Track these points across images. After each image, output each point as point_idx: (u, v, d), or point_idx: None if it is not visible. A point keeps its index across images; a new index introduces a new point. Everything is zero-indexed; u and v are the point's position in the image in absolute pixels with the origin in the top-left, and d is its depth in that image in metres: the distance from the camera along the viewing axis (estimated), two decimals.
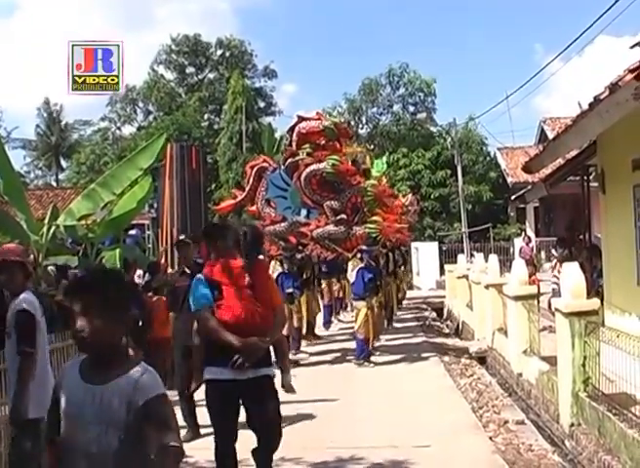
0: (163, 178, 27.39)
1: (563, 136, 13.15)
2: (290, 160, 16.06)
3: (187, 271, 9.78)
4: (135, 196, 14.49)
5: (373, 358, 15.89)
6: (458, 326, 22.03)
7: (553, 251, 24.44)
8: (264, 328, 6.76)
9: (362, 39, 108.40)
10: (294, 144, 16.04)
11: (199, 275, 7.02)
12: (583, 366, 9.70)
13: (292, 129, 16.14)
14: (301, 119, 15.93)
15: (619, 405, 8.64)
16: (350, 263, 17.25)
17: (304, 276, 18.30)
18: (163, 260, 24.59)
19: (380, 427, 9.56)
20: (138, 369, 3.52)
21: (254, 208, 16.77)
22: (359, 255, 16.37)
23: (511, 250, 37.41)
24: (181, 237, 9.73)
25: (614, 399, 8.89)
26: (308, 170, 15.47)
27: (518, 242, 36.69)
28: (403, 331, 20.83)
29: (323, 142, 15.80)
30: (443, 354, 16.97)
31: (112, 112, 63.80)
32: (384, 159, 18.55)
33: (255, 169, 16.60)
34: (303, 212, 16.23)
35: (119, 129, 64.31)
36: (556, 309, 10.62)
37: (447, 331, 23.34)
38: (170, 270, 21.73)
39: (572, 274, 10.27)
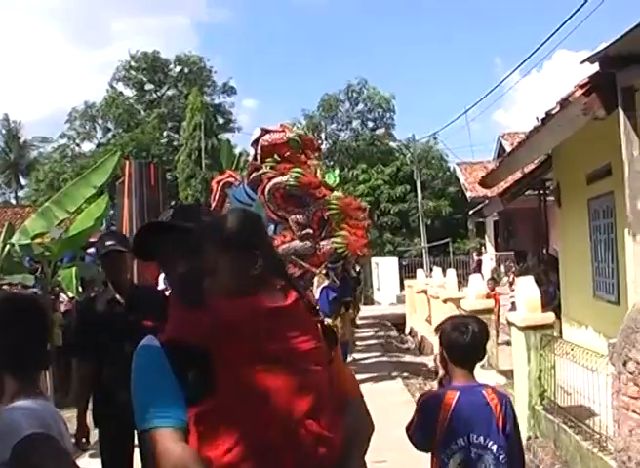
0: (122, 196, 27.18)
1: (517, 151, 13.28)
2: (254, 174, 15.59)
3: (119, 300, 6.34)
4: (91, 214, 14.33)
5: None
6: (421, 341, 22.04)
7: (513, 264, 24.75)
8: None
9: (321, 55, 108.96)
10: (258, 157, 15.56)
11: (150, 338, 2.82)
12: (539, 379, 9.75)
13: (256, 141, 15.61)
14: (265, 131, 15.42)
15: (574, 417, 8.69)
16: (316, 279, 16.81)
17: None
18: None
19: None
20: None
21: None
22: (324, 272, 15.96)
23: (471, 264, 37.59)
24: (110, 242, 6.39)
25: (569, 411, 8.93)
26: (271, 183, 15.02)
27: (484, 256, 36.98)
28: (363, 349, 20.72)
29: (287, 155, 15.31)
30: (402, 370, 16.96)
31: (71, 129, 63.35)
32: (337, 172, 18.25)
33: (220, 184, 16.27)
34: (271, 227, 15.51)
35: (78, 146, 63.89)
36: (512, 323, 10.68)
37: (409, 346, 23.33)
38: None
39: (527, 288, 10.32)
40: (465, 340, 4.48)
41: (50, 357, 3.12)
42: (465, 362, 4.57)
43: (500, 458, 4.28)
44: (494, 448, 4.29)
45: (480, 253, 38.80)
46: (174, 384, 2.65)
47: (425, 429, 4.47)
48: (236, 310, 2.76)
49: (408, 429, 4.61)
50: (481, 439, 4.31)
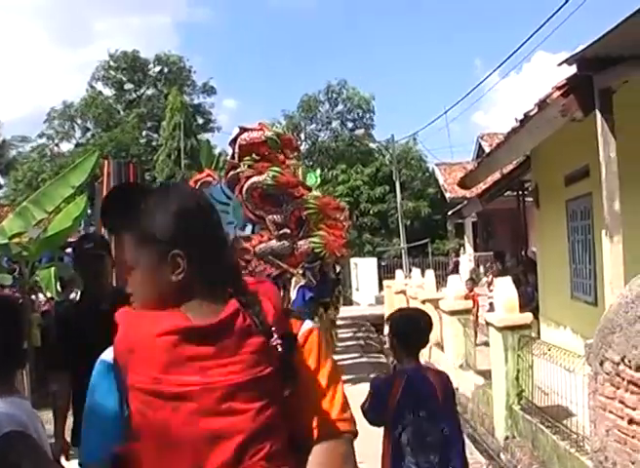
0: (100, 195, 27.11)
1: (496, 153, 13.33)
2: (231, 173, 15.41)
3: (102, 308, 5.17)
4: (70, 214, 14.23)
5: None
6: None
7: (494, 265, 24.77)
8: None
9: (301, 56, 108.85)
10: (236, 156, 15.33)
11: (109, 350, 2.40)
12: (517, 379, 9.81)
13: (234, 140, 15.39)
14: (243, 130, 15.18)
15: (552, 417, 8.74)
16: (293, 280, 16.63)
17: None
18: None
19: None
20: None
21: None
22: (301, 272, 15.55)
23: (449, 265, 37.67)
24: (88, 246, 5.93)
25: (547, 411, 8.99)
26: (249, 182, 14.85)
27: (461, 257, 37.07)
28: (342, 350, 20.63)
29: (266, 154, 15.11)
30: (381, 371, 16.96)
31: (50, 129, 63.03)
32: (318, 172, 18.10)
33: (198, 183, 15.90)
34: (249, 227, 15.59)
35: (57, 145, 63.54)
36: (489, 323, 10.73)
37: (387, 347, 23.34)
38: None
39: (505, 288, 10.37)
40: (412, 329, 5.23)
41: (26, 355, 3.09)
42: (412, 348, 5.28)
43: (444, 430, 4.99)
44: (438, 421, 5.00)
45: (458, 255, 38.89)
46: (114, 409, 2.27)
47: (378, 409, 5.12)
48: (133, 328, 2.24)
49: (362, 407, 5.17)
50: (426, 414, 4.98)
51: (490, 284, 20.69)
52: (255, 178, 14.76)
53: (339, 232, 16.35)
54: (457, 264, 35.74)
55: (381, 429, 5.20)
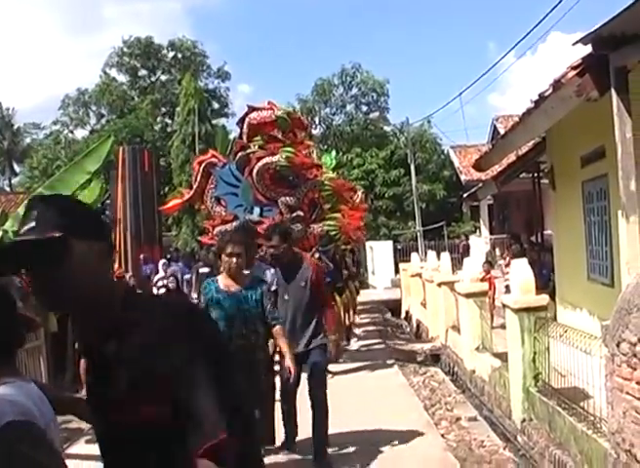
0: (115, 182, 27.18)
1: (511, 134, 13.25)
2: (240, 153, 14.98)
3: None
4: (85, 200, 14.26)
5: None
6: (417, 326, 21.99)
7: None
8: None
9: (315, 39, 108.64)
10: (244, 136, 14.95)
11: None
12: (534, 361, 9.76)
13: (242, 120, 15.01)
14: (252, 109, 14.81)
15: (568, 399, 8.70)
16: None
17: None
18: (117, 265, 24.41)
19: (333, 428, 9.53)
20: None
21: (203, 206, 15.77)
22: (316, 256, 15.43)
23: (469, 247, 37.57)
24: None
25: (563, 393, 8.95)
26: (260, 163, 14.49)
27: (473, 240, 36.95)
28: (361, 336, 20.46)
29: (278, 134, 14.72)
30: (398, 354, 16.97)
31: (65, 115, 63.18)
32: (333, 154, 17.85)
33: (203, 165, 15.49)
34: (257, 209, 15.03)
35: (72, 132, 63.70)
36: (506, 305, 10.68)
37: (405, 330, 23.35)
38: (125, 274, 21.44)
39: (521, 270, 10.32)
40: None
41: (23, 334, 3.04)
42: None
43: None
44: None
45: (467, 238, 38.79)
46: None
47: None
48: None
49: None
50: None
51: (507, 265, 20.64)
52: (267, 159, 14.48)
53: (358, 214, 16.19)
54: (466, 248, 35.62)
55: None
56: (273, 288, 8.68)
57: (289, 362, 7.78)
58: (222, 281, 7.68)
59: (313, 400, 8.54)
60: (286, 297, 8.77)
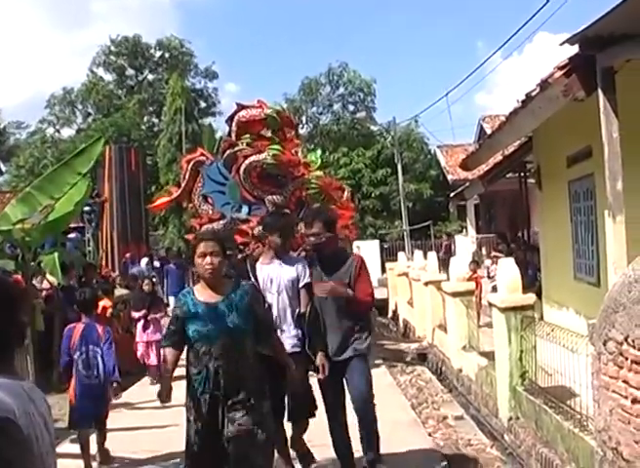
0: (102, 181, 27.21)
1: (498, 134, 13.31)
2: (228, 151, 14.83)
3: None
4: (71, 199, 14.16)
5: None
6: (405, 325, 22.01)
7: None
8: None
9: (302, 39, 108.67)
10: (233, 134, 14.79)
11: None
12: (520, 360, 9.81)
13: (231, 118, 14.87)
14: (241, 107, 14.65)
15: (555, 398, 8.74)
16: None
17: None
18: (104, 263, 24.40)
19: (320, 426, 9.54)
20: None
21: (191, 205, 15.58)
22: (303, 255, 15.24)
23: (452, 247, 37.62)
24: None
25: (550, 392, 8.99)
26: (247, 161, 14.32)
27: (459, 239, 36.98)
28: None
29: (264, 132, 14.61)
30: (385, 353, 16.99)
31: (51, 114, 63.02)
32: (319, 153, 17.82)
33: (191, 163, 15.31)
34: (245, 208, 14.88)
35: (58, 131, 63.52)
36: (492, 304, 10.73)
37: (392, 330, 23.36)
38: (112, 273, 21.40)
39: (507, 269, 10.36)
40: None
41: (23, 336, 3.03)
42: None
43: None
44: None
45: (449, 237, 38.85)
46: None
47: None
48: None
49: None
50: None
51: (489, 267, 20.69)
52: (254, 157, 14.35)
53: (348, 213, 16.16)
54: (448, 247, 35.61)
55: None
56: (304, 282, 7.44)
57: (292, 371, 6.68)
58: (200, 291, 6.18)
59: (360, 419, 7.65)
60: (324, 296, 7.47)
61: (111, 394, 9.23)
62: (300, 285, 7.41)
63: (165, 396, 6.13)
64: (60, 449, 9.40)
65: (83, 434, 8.93)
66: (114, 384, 9.03)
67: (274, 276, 7.42)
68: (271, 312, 7.29)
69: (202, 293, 6.11)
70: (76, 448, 8.88)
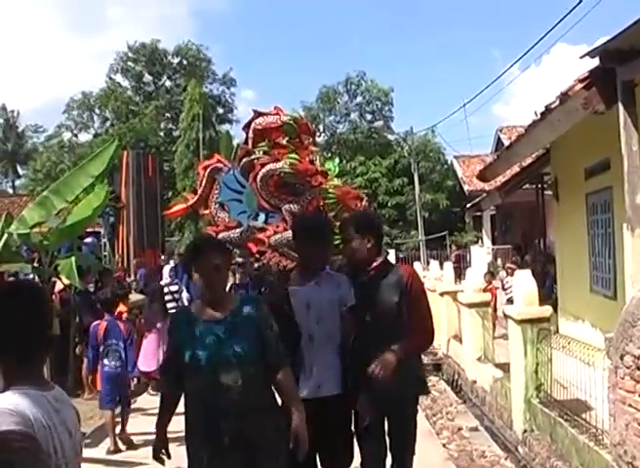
0: (119, 186, 27.25)
1: (516, 145, 13.28)
2: (245, 159, 14.63)
3: None
4: (90, 204, 14.19)
5: None
6: None
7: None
8: None
9: (321, 47, 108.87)
10: (249, 142, 14.57)
11: None
12: (536, 372, 9.78)
13: (247, 125, 14.62)
14: (258, 114, 14.40)
15: (570, 411, 8.71)
16: None
17: (262, 288, 16.62)
18: (120, 267, 24.42)
19: None
20: None
21: (207, 212, 15.35)
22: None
23: (467, 257, 37.54)
24: None
25: (565, 405, 8.96)
26: (265, 170, 14.06)
27: (475, 250, 36.88)
28: None
29: (280, 140, 14.29)
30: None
31: (69, 119, 63.33)
32: (337, 161, 17.66)
33: (208, 170, 15.15)
34: (262, 216, 14.70)
35: (75, 136, 63.81)
36: (508, 316, 10.70)
37: None
38: (127, 278, 21.43)
39: (524, 281, 10.34)
40: None
41: (50, 342, 3.04)
42: None
43: None
44: None
45: (458, 248, 38.76)
46: None
47: None
48: None
49: None
50: None
51: (504, 279, 20.62)
52: (271, 166, 14.10)
53: None
54: (459, 257, 35.43)
55: None
56: (350, 304, 5.78)
57: (299, 423, 4.87)
58: (198, 309, 5.03)
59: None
60: (367, 319, 5.80)
61: (135, 390, 10.01)
62: (345, 308, 5.76)
63: (159, 454, 5.04)
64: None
65: (108, 414, 10.05)
66: (134, 380, 9.82)
67: (311, 300, 5.71)
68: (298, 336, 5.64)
69: (201, 311, 4.95)
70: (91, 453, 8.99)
